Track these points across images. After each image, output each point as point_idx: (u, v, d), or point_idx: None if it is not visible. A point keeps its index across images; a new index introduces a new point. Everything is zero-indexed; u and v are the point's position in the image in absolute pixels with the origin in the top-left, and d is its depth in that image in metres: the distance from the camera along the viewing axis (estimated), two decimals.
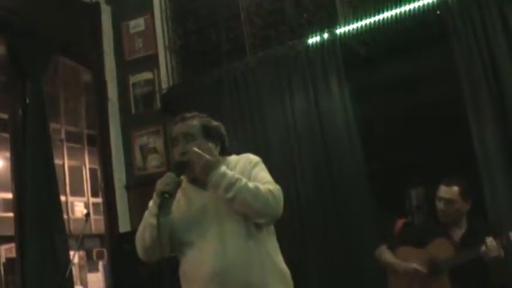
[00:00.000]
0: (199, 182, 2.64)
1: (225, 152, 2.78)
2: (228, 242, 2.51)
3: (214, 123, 2.78)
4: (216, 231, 2.54)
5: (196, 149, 2.53)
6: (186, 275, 2.62)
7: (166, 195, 2.48)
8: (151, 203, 2.57)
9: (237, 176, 2.53)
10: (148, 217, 2.56)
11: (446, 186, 3.60)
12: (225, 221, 2.55)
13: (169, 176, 2.54)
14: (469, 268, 3.35)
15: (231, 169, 2.62)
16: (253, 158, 2.75)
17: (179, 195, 2.64)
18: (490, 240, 3.26)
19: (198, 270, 2.52)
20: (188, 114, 2.75)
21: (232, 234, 2.53)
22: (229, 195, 2.48)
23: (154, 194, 2.53)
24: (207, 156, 2.50)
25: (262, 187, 2.53)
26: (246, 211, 2.53)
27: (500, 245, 3.26)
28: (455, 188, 3.56)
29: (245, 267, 2.49)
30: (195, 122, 2.70)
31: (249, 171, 2.65)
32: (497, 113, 4.28)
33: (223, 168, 2.52)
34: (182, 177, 2.62)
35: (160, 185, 2.51)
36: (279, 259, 2.67)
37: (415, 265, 3.57)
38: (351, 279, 4.65)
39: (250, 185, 2.52)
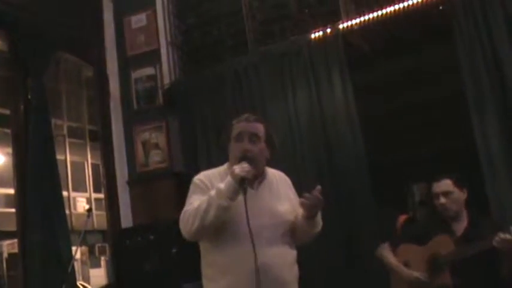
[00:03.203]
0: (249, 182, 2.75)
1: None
2: (275, 241, 2.73)
3: (273, 130, 2.94)
4: (267, 231, 2.70)
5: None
6: (227, 264, 2.70)
7: (245, 183, 2.59)
8: (222, 186, 2.61)
9: None
10: (219, 198, 2.59)
11: (438, 182, 3.64)
12: (276, 224, 2.76)
13: (247, 166, 2.64)
14: (470, 263, 3.34)
15: (275, 185, 2.90)
16: (289, 180, 3.03)
17: None
18: (502, 234, 3.24)
19: (247, 261, 2.59)
20: (253, 116, 2.92)
21: (278, 235, 2.75)
22: (318, 229, 2.89)
23: (230, 177, 2.61)
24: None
25: None
26: (308, 239, 2.91)
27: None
28: (447, 180, 3.60)
29: (282, 265, 2.72)
30: (260, 126, 2.86)
31: (293, 198, 2.91)
32: (500, 107, 4.28)
33: None
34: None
35: (240, 171, 2.60)
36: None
37: (417, 274, 3.56)
38: (353, 276, 4.64)
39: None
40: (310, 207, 2.71)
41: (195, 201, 2.71)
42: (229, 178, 2.62)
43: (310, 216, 2.76)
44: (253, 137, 2.79)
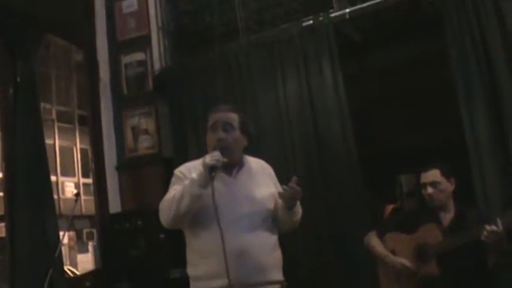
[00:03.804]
0: (227, 169, 2.88)
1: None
2: (254, 228, 2.83)
3: (247, 118, 3.03)
4: (246, 217, 2.82)
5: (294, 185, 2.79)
6: (206, 249, 2.80)
7: (214, 171, 2.68)
8: (194, 175, 2.73)
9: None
10: (192, 187, 2.71)
11: (426, 172, 3.65)
12: (255, 211, 2.86)
13: (218, 154, 2.73)
14: (457, 254, 3.36)
15: (254, 172, 2.99)
16: (270, 168, 3.13)
17: None
18: (488, 226, 3.25)
19: (224, 246, 2.65)
20: (227, 106, 3.05)
21: (258, 222, 2.86)
22: (298, 217, 3.00)
23: (202, 167, 2.72)
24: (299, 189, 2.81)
25: None
26: (290, 227, 3.01)
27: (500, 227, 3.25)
28: (435, 171, 3.62)
29: (261, 251, 2.81)
30: (234, 115, 2.94)
31: (273, 186, 3.01)
32: (488, 98, 4.29)
33: None
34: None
35: (209, 160, 2.70)
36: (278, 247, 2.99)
37: (402, 261, 3.58)
38: (341, 265, 4.66)
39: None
40: (289, 198, 2.83)
41: (173, 191, 2.83)
42: (201, 167, 2.73)
43: (289, 207, 2.87)
44: (227, 126, 2.89)
